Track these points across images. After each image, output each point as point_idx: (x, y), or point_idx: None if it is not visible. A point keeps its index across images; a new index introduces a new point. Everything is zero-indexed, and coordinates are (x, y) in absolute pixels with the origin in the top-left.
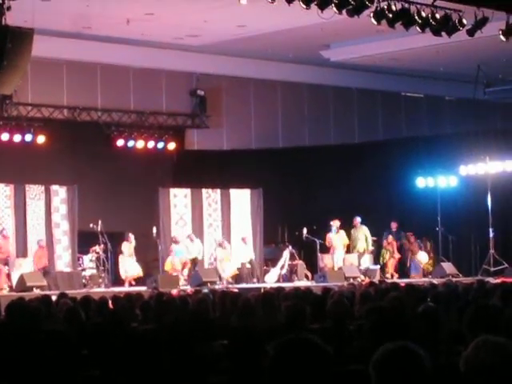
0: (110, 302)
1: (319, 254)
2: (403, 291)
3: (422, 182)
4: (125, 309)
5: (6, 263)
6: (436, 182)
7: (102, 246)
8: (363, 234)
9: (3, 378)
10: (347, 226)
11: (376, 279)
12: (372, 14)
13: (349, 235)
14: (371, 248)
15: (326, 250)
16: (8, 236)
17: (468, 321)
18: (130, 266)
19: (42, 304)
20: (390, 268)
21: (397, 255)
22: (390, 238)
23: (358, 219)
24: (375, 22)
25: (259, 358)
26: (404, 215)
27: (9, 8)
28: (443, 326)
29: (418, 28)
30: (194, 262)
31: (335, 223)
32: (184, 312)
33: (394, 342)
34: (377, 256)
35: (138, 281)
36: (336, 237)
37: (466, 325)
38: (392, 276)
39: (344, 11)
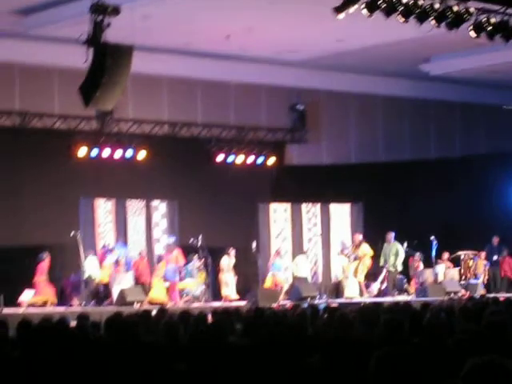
0: (209, 316)
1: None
2: (503, 306)
3: None
4: (223, 323)
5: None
6: None
7: (203, 260)
8: (395, 250)
9: None
10: (448, 241)
11: (477, 294)
12: (471, 27)
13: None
14: (399, 266)
15: (426, 264)
16: (107, 249)
17: None
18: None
19: (142, 318)
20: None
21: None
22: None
23: (391, 234)
24: (474, 35)
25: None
26: (506, 230)
27: (108, 25)
28: None
29: None
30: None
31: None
32: (282, 326)
33: (482, 356)
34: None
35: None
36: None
37: None
38: None
39: (443, 24)
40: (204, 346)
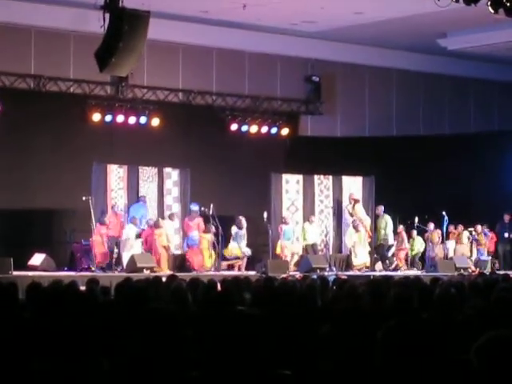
0: (218, 284)
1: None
2: None
3: None
4: (232, 292)
5: (117, 243)
6: None
7: (214, 229)
8: (385, 223)
9: (107, 354)
10: (458, 218)
11: (487, 270)
12: (489, 3)
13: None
14: (389, 239)
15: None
16: (120, 213)
17: None
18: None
19: (152, 285)
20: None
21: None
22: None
23: (381, 208)
24: (492, 11)
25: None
26: None
27: None
28: None
29: None
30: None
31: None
32: (291, 297)
33: (497, 330)
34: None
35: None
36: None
37: None
38: None
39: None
40: (212, 314)
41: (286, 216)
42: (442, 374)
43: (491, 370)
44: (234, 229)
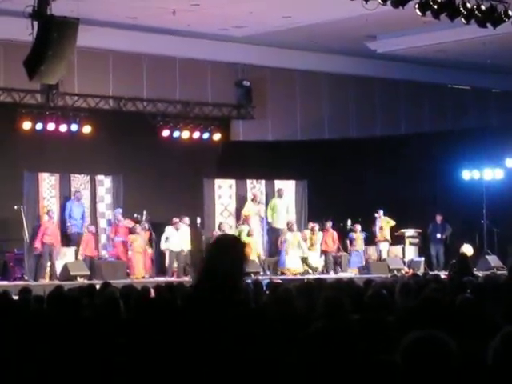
0: (151, 291)
1: (363, 246)
2: (444, 283)
3: (467, 174)
4: (166, 299)
5: (51, 252)
6: (482, 174)
7: (148, 234)
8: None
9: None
10: (392, 219)
11: (420, 271)
12: (417, 5)
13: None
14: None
15: (370, 241)
16: (52, 217)
17: (504, 312)
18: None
19: (86, 293)
20: None
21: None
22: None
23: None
24: (420, 13)
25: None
26: (449, 208)
27: None
28: (481, 318)
29: (462, 19)
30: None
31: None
32: None
33: (422, 330)
34: (422, 248)
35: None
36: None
37: (502, 316)
38: None
39: (388, 2)
40: (146, 321)
41: (223, 224)
42: (368, 375)
43: (415, 369)
44: (168, 229)
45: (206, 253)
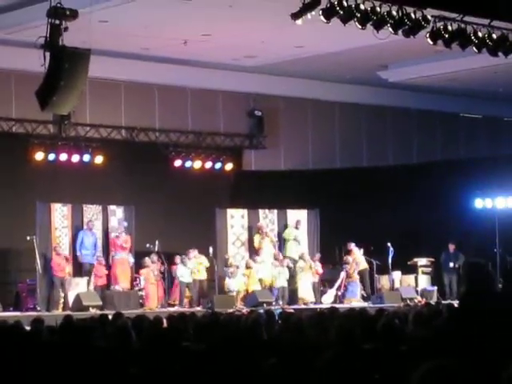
0: (164, 321)
1: (376, 275)
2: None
3: (479, 203)
4: (178, 328)
5: (62, 283)
6: (494, 203)
7: (160, 265)
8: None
9: None
10: (404, 248)
11: (433, 300)
12: (428, 35)
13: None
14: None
15: (382, 271)
16: (61, 254)
17: None
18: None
19: (99, 323)
20: None
21: None
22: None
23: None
24: (431, 42)
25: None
26: (462, 236)
27: (66, 29)
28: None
29: (474, 48)
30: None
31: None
32: (236, 331)
33: (433, 361)
34: (435, 277)
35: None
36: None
37: None
38: None
39: (400, 31)
40: (158, 351)
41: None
42: None
43: None
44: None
45: None
